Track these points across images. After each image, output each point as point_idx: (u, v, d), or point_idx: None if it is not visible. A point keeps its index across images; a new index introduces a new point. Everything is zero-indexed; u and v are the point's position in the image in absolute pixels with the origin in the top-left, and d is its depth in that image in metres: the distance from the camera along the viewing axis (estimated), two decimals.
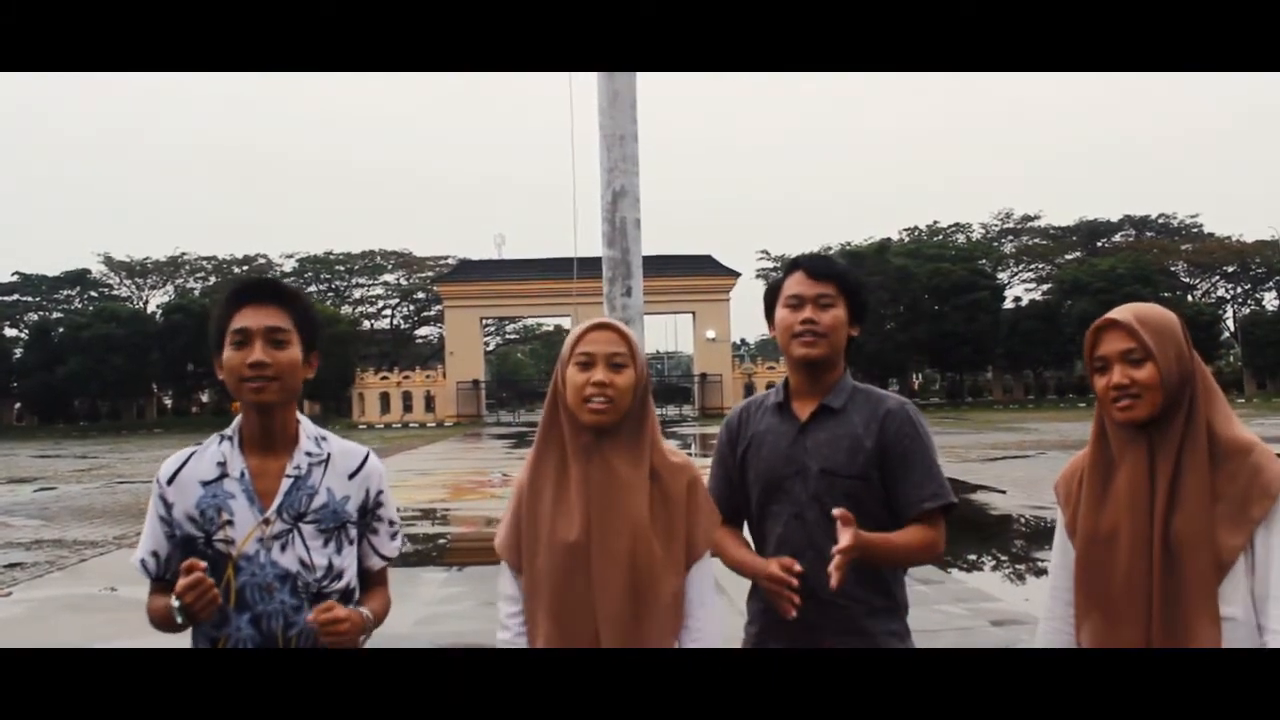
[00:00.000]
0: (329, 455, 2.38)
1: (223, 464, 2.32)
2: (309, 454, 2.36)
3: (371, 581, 2.47)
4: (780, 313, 2.70)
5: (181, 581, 2.12)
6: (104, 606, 8.97)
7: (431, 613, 8.38)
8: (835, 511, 2.35)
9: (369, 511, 2.43)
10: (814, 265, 2.70)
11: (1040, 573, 9.66)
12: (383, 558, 2.48)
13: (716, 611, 2.37)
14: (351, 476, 2.39)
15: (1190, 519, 2.16)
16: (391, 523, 2.49)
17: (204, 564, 2.15)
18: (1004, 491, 15.99)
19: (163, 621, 2.25)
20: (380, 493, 2.45)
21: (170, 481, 2.33)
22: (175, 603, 2.14)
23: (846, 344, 2.70)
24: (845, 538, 2.30)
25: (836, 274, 2.69)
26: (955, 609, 7.81)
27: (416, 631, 7.52)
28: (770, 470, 2.67)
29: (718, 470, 2.83)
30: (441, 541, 13.22)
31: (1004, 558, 10.64)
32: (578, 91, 6.69)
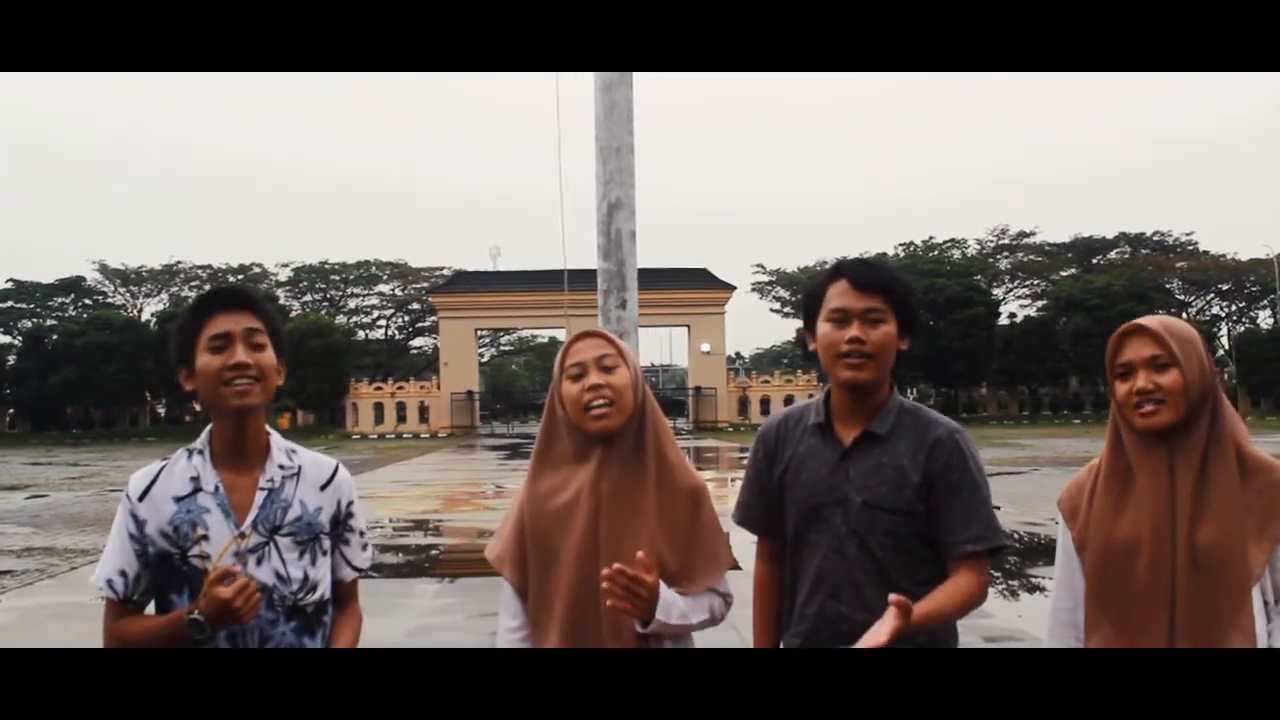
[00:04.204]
0: (300, 467, 2.36)
1: (195, 478, 2.27)
2: (281, 466, 2.33)
3: (343, 595, 2.44)
4: (823, 328, 2.46)
5: (225, 590, 2.07)
6: (93, 615, 8.83)
7: (423, 624, 8.35)
8: (892, 598, 2.11)
9: (341, 522, 2.41)
10: (859, 275, 2.43)
11: (1034, 589, 9.65)
12: (354, 569, 2.46)
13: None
14: (323, 488, 2.38)
15: (1222, 530, 2.15)
16: (362, 533, 2.48)
17: (238, 567, 2.14)
18: (998, 507, 15.94)
19: (164, 640, 2.19)
20: (351, 503, 2.44)
21: (141, 498, 2.27)
22: (197, 615, 2.10)
23: (895, 359, 2.48)
24: (888, 624, 2.07)
25: (885, 285, 2.43)
26: None
27: (408, 642, 7.50)
28: (810, 497, 2.47)
29: (754, 486, 2.63)
30: (434, 553, 13.19)
31: (998, 574, 10.61)
32: (570, 103, 6.70)
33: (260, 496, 2.28)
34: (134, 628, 2.26)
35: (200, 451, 2.31)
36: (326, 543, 2.37)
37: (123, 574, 2.26)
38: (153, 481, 2.29)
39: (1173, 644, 2.17)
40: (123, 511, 2.29)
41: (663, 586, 2.23)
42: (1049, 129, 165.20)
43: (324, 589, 2.35)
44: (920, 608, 2.18)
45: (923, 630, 2.21)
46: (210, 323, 2.25)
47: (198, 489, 2.26)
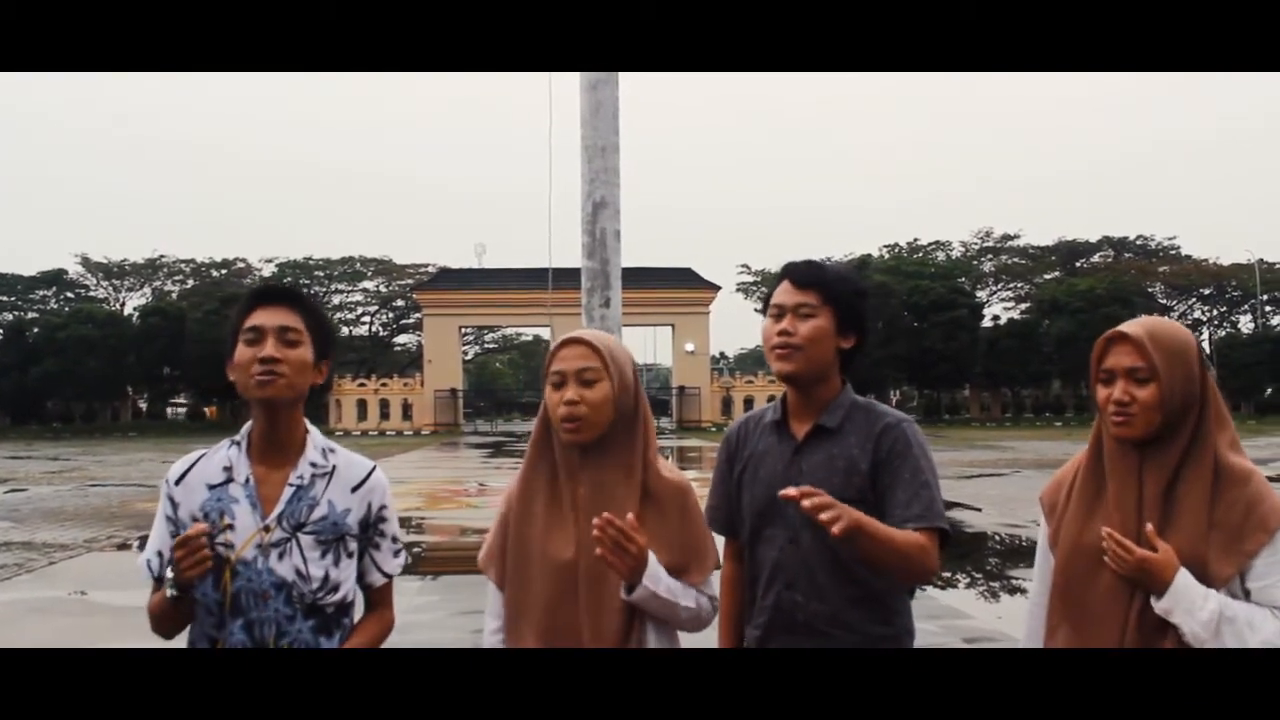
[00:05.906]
0: (334, 467, 2.38)
1: (229, 468, 2.33)
2: (314, 464, 2.36)
3: (374, 600, 2.48)
4: (765, 322, 2.56)
5: (175, 542, 2.13)
6: (72, 610, 8.88)
7: (405, 621, 8.26)
8: (786, 492, 2.14)
9: (371, 526, 2.42)
10: (797, 272, 2.53)
11: (1014, 590, 9.69)
12: (385, 574, 2.47)
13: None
14: (354, 489, 2.39)
15: (1182, 546, 2.12)
16: (395, 539, 2.49)
17: (206, 526, 2.17)
18: (980, 509, 16.04)
19: (160, 612, 2.27)
20: (383, 507, 2.45)
21: (179, 482, 2.35)
22: (169, 574, 2.18)
23: (842, 357, 2.53)
24: (827, 515, 2.08)
25: (821, 282, 2.50)
26: (929, 626, 7.80)
27: (390, 640, 7.45)
28: (766, 493, 2.51)
29: (719, 488, 2.70)
30: (416, 550, 13.15)
31: (978, 575, 10.66)
32: (558, 102, 6.70)
33: (288, 492, 2.31)
34: (153, 600, 2.33)
35: (239, 443, 2.37)
36: (353, 545, 2.38)
37: (159, 555, 2.34)
38: (191, 467, 2.38)
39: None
40: (162, 495, 2.38)
41: (653, 558, 2.23)
42: (1034, 133, 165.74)
43: (346, 591, 2.37)
44: (872, 521, 2.22)
45: (861, 541, 2.18)
46: (251, 316, 2.32)
47: (230, 479, 2.32)
